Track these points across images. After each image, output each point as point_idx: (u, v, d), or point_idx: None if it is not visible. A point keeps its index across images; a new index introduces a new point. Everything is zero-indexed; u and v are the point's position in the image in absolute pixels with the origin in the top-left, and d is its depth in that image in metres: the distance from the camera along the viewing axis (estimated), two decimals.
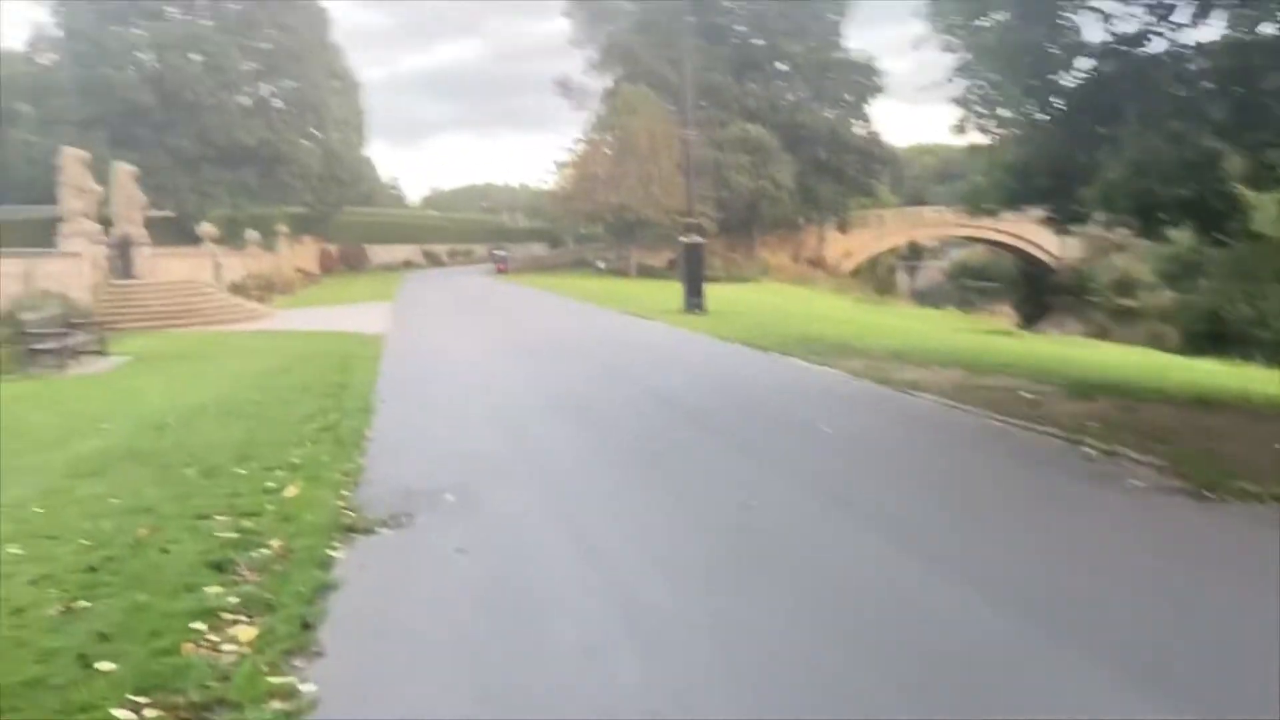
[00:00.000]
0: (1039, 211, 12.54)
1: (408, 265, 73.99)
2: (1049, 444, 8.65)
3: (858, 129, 64.65)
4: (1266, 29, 8.64)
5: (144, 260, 28.98)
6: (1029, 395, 11.34)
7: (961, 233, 74.55)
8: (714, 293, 26.85)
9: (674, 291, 32.16)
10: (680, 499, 7.14)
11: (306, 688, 4.14)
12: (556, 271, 60.25)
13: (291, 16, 54.91)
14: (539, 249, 78.69)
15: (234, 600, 5.18)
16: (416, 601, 5.32)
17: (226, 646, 4.59)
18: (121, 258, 27.98)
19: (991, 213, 12.01)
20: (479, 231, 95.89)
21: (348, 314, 28.68)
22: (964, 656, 4.29)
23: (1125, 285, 48.72)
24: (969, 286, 68.06)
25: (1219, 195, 9.71)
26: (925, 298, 60.00)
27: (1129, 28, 9.89)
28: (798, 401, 11.35)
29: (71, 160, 25.21)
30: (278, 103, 55.95)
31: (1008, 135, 11.36)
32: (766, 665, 4.28)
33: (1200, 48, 9.57)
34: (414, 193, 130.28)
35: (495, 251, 68.94)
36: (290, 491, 7.54)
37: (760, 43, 62.33)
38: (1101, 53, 10.10)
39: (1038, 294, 57.02)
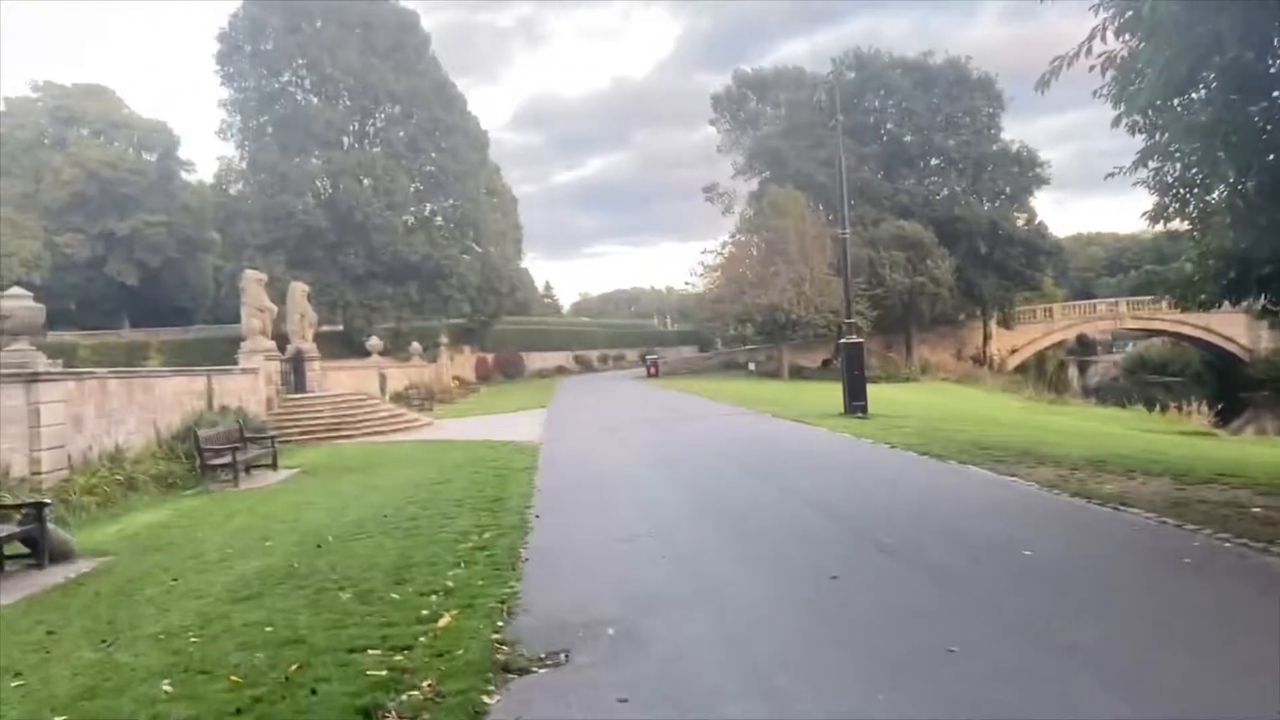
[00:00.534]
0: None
1: (561, 371, 75.46)
2: None
3: (1020, 220, 62.50)
4: None
5: (315, 374, 30.29)
6: (1258, 510, 9.87)
7: (1137, 325, 70.29)
8: (873, 393, 25.67)
9: (830, 393, 31.14)
10: (873, 640, 6.26)
11: None
12: (706, 374, 59.94)
13: (453, 140, 58.09)
14: (688, 352, 78.93)
15: None
16: None
17: None
18: (295, 372, 29.30)
19: (1206, 306, 10.73)
20: (629, 336, 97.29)
21: (504, 422, 28.95)
22: None
23: None
24: (1150, 382, 63.53)
25: None
26: (1098, 395, 56.27)
27: None
28: (989, 519, 10.21)
29: (252, 281, 26.79)
30: (439, 220, 58.83)
31: (1218, 220, 10.19)
32: None
33: None
34: (567, 300, 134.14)
35: (646, 355, 69.50)
36: (444, 621, 7.12)
37: (911, 139, 61.66)
38: None
39: (1230, 389, 52.50)
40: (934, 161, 63.41)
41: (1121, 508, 10.33)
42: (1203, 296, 10.41)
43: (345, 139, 56.56)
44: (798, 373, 55.37)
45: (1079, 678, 5.40)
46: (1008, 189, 62.56)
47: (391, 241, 53.67)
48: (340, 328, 54.55)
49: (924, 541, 9.09)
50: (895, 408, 26.60)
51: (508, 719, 5.29)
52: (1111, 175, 11.73)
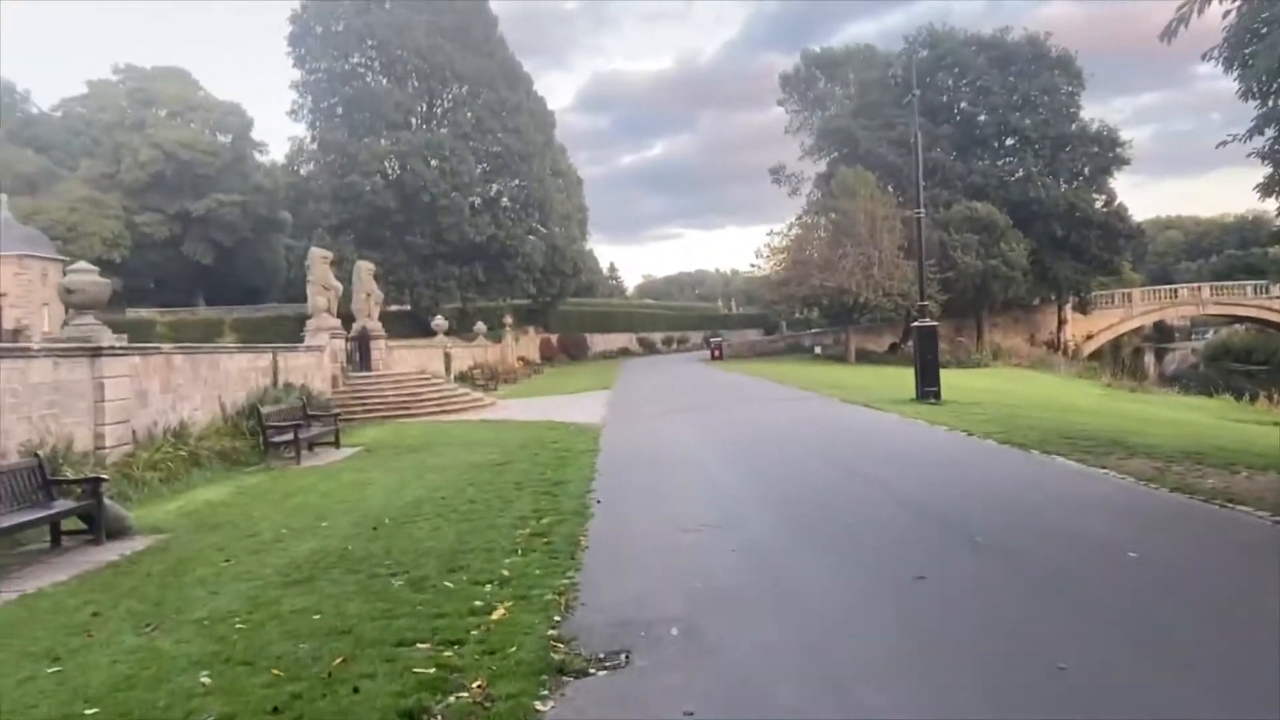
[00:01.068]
0: None
1: (625, 353, 75.16)
2: None
3: (1098, 202, 60.16)
4: None
5: (380, 352, 30.32)
6: None
7: (1220, 311, 67.44)
8: (945, 379, 24.69)
9: (900, 378, 30.19)
10: (968, 654, 5.64)
11: None
12: (771, 358, 59.04)
13: (519, 120, 57.90)
14: (753, 335, 78.02)
15: None
16: None
17: None
18: (360, 350, 29.35)
19: None
20: (693, 319, 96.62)
21: (566, 403, 28.65)
22: None
23: None
24: (1233, 370, 60.81)
25: None
26: (1178, 383, 53.96)
27: None
28: (1085, 516, 9.45)
29: (318, 259, 26.81)
30: (505, 201, 58.80)
31: None
32: None
33: None
34: (630, 282, 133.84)
35: (710, 338, 68.82)
36: (498, 614, 6.72)
37: (985, 118, 59.69)
38: None
39: None
40: (1009, 141, 61.27)
41: (1229, 505, 9.51)
42: None
43: (413, 120, 56.78)
44: (864, 357, 54.18)
45: (1210, 704, 4.74)
46: (1086, 170, 60.18)
47: (458, 222, 53.76)
48: (407, 307, 54.93)
49: (1017, 539, 8.40)
50: (968, 394, 25.60)
51: None
52: (1224, 144, 10.81)
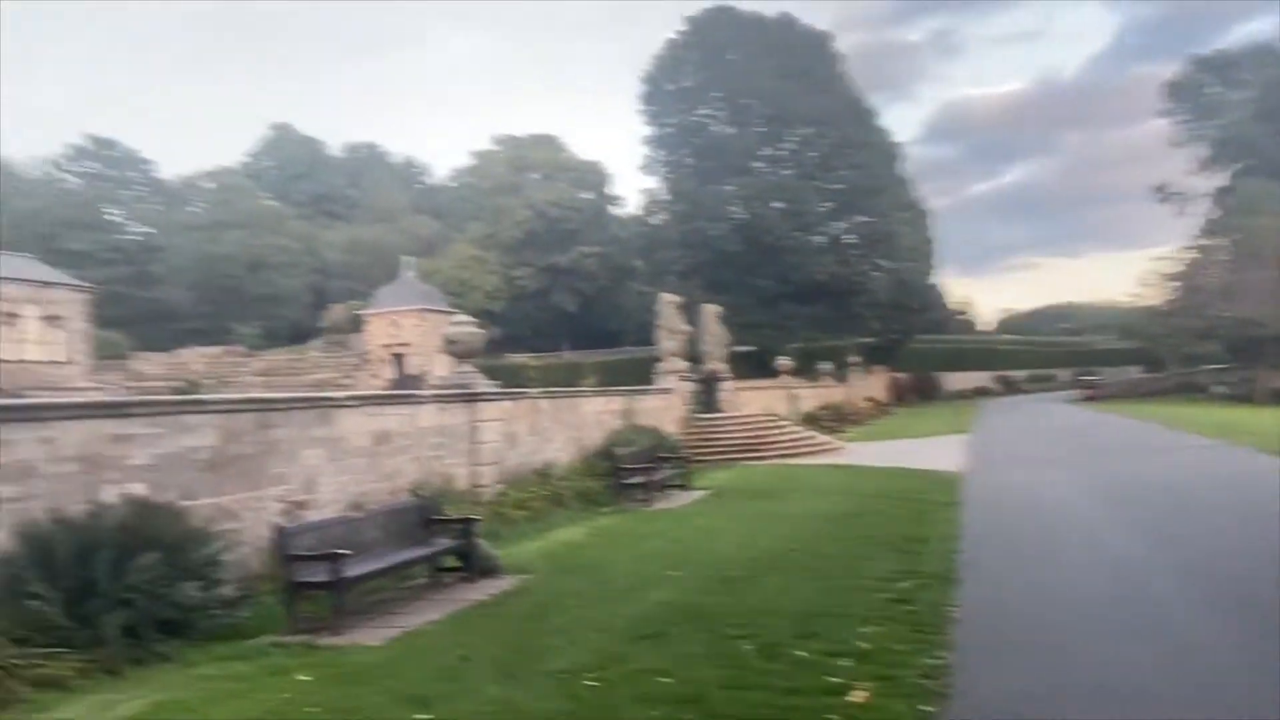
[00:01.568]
0: None
1: (981, 392, 70.68)
2: None
3: None
4: None
5: (726, 394, 30.62)
6: None
7: None
8: None
9: None
10: None
11: None
12: (1158, 398, 52.38)
13: (863, 156, 56.87)
14: (1134, 372, 70.09)
15: None
16: None
17: None
18: (706, 392, 29.81)
19: None
20: (1060, 355, 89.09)
21: (920, 448, 27.04)
22: None
23: None
24: None
25: None
26: None
27: None
28: None
29: (666, 304, 27.64)
30: (850, 237, 57.82)
31: None
32: None
33: None
34: (986, 317, 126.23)
35: (1083, 376, 62.66)
36: (858, 696, 5.99)
37: None
38: None
39: None
40: None
41: None
42: None
43: (757, 164, 57.73)
44: (1277, 397, 46.35)
45: None
46: None
47: (802, 261, 53.64)
48: (752, 348, 55.53)
49: None
50: None
51: None
52: None
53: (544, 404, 18.01)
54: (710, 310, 32.77)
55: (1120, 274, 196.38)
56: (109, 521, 7.81)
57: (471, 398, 14.88)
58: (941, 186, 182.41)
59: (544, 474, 16.89)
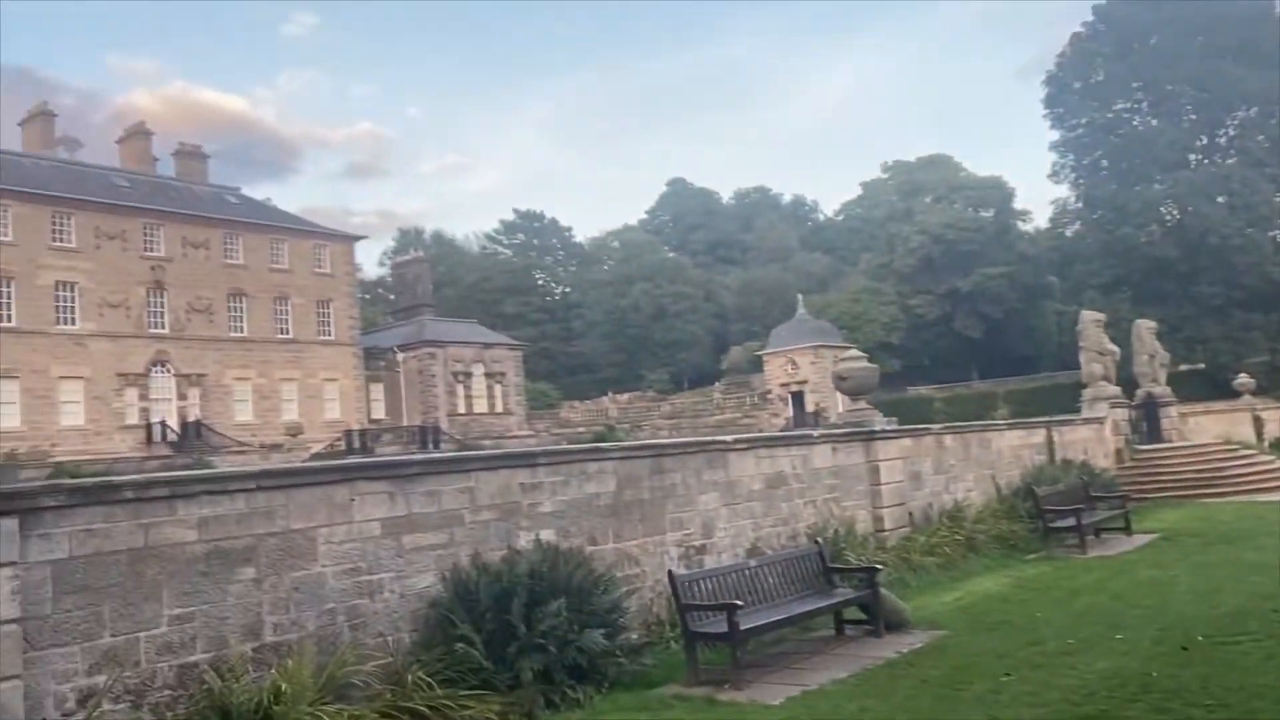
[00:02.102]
0: None
1: None
2: None
3: None
4: None
5: (1170, 421, 26.65)
6: None
7: None
8: None
9: None
10: None
11: None
12: None
13: None
14: None
15: None
16: None
17: None
18: (1146, 419, 26.14)
19: None
20: None
21: None
22: None
23: None
24: None
25: None
26: None
27: None
28: None
29: (1089, 323, 24.79)
30: None
31: None
32: None
33: None
34: None
35: None
36: None
37: None
38: None
39: None
40: None
41: None
42: None
43: (1191, 157, 50.91)
44: None
45: None
46: None
47: (1257, 262, 46.17)
48: (1200, 366, 48.50)
49: None
50: None
51: None
52: None
53: (948, 440, 16.72)
54: (1144, 326, 28.88)
55: None
56: (521, 568, 8.17)
57: (868, 436, 14.12)
58: None
59: (954, 516, 15.58)
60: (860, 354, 15.04)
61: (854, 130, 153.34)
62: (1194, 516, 18.36)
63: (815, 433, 14.64)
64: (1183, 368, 42.51)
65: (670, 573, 8.96)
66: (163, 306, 44.57)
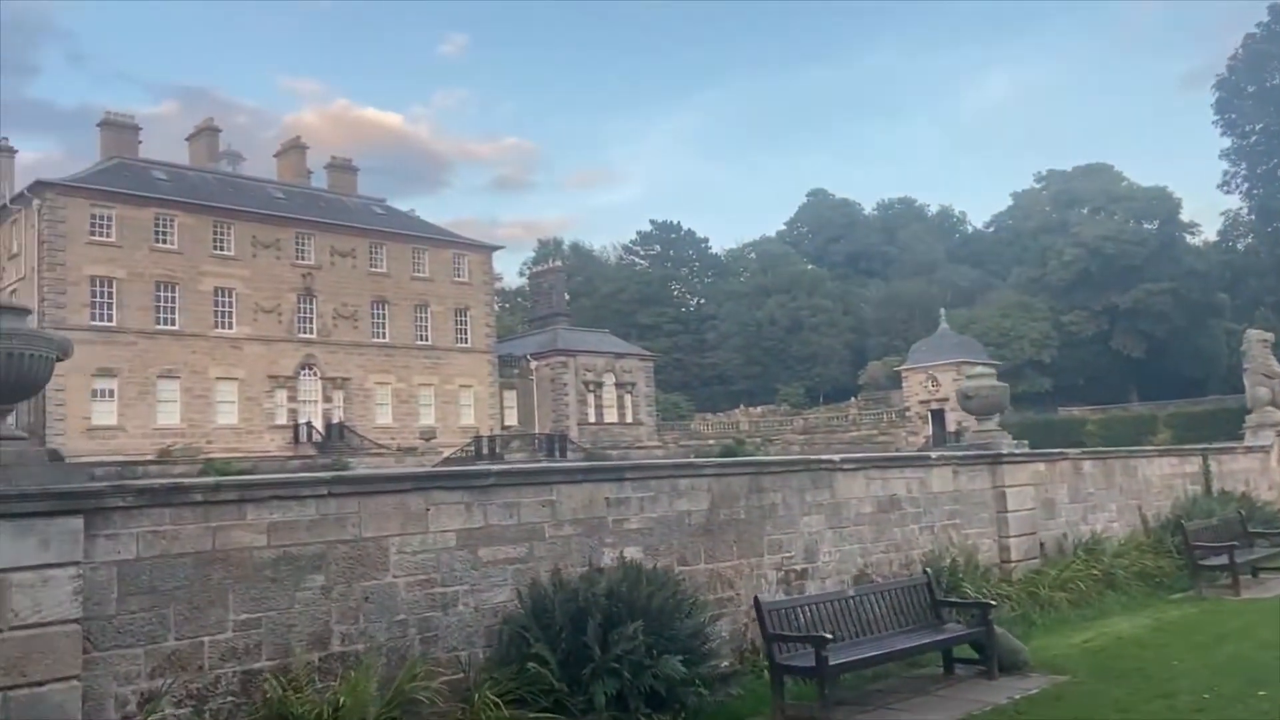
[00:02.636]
0: None
1: None
2: None
3: None
4: None
5: None
6: None
7: None
8: None
9: None
10: None
11: None
12: None
13: None
14: None
15: None
16: None
17: None
18: None
19: None
20: None
21: None
22: None
23: None
24: None
25: None
26: None
27: None
28: None
29: (1255, 343, 22.60)
30: None
31: None
32: None
33: None
34: None
35: None
36: None
37: None
38: None
39: None
40: None
41: None
42: None
43: None
44: None
45: None
46: None
47: None
48: None
49: None
50: None
51: None
52: None
53: (1087, 465, 15.48)
54: None
55: None
56: (599, 587, 7.86)
57: (993, 459, 13.17)
58: None
59: (1092, 549, 14.35)
60: (988, 370, 14.10)
61: (1006, 139, 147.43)
62: None
63: (933, 454, 13.75)
64: None
65: (756, 599, 8.48)
66: (311, 312, 46.75)
